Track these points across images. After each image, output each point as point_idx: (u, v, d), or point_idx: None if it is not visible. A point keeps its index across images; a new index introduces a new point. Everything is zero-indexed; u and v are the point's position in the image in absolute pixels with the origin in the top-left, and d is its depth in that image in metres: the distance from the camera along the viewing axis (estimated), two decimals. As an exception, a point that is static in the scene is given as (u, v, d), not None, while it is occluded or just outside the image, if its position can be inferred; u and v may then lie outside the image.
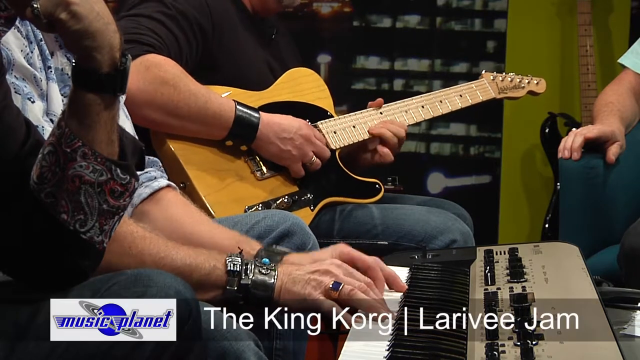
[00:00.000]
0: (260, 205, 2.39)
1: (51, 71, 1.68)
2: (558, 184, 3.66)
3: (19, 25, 1.62)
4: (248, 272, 1.70)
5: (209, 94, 2.35)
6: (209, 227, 1.94)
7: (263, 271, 1.71)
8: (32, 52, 1.65)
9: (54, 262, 1.38)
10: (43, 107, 1.66)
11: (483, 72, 2.90)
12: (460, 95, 2.79)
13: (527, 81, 2.92)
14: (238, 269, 1.70)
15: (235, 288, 1.69)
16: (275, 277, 1.71)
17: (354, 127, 2.61)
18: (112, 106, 1.36)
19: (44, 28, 1.30)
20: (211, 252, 1.74)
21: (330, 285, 1.71)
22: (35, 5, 1.27)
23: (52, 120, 1.66)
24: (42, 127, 1.63)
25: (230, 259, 1.71)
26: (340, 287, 1.70)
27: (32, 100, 1.63)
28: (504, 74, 2.90)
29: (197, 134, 2.37)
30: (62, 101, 1.69)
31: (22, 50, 1.63)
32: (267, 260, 1.75)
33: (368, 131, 2.61)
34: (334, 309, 1.68)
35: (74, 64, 1.34)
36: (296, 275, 1.72)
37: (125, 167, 1.38)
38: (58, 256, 1.38)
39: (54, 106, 1.67)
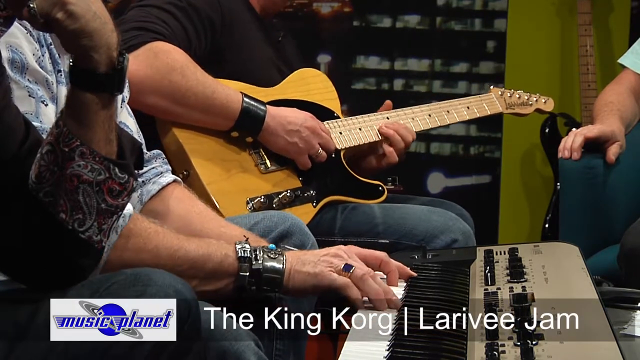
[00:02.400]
0: (263, 197, 2.39)
1: (61, 74, 1.69)
2: (558, 184, 3.66)
3: (31, 29, 1.62)
4: (258, 257, 1.73)
5: (216, 84, 2.35)
6: (216, 224, 1.96)
7: (271, 256, 1.75)
8: (43, 55, 1.66)
9: (53, 261, 1.38)
10: (55, 110, 1.66)
11: (491, 87, 2.91)
12: (468, 107, 2.80)
13: (535, 99, 2.93)
14: (248, 255, 1.73)
15: (248, 273, 1.72)
16: (284, 261, 1.74)
17: (360, 129, 2.61)
18: (110, 105, 1.36)
19: (40, 28, 1.30)
20: (220, 241, 1.77)
21: (342, 267, 1.75)
22: (31, 5, 1.27)
23: None
24: None
25: (240, 246, 1.74)
26: (352, 270, 1.74)
27: (45, 103, 1.63)
28: (512, 90, 2.91)
29: (203, 123, 2.37)
30: None
31: (34, 54, 1.64)
32: (273, 245, 1.79)
33: (378, 130, 2.62)
34: (348, 288, 1.73)
35: (71, 64, 1.33)
36: (305, 258, 1.77)
37: (124, 166, 1.38)
38: (57, 255, 1.38)
39: None
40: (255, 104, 2.39)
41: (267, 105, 2.41)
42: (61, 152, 1.34)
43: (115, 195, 1.37)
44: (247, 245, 1.75)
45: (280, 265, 1.74)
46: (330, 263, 1.76)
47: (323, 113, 2.58)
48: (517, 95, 2.90)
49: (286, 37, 2.71)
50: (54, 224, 1.35)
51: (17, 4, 1.29)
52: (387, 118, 2.67)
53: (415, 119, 2.70)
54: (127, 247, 1.67)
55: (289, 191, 2.45)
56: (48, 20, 1.28)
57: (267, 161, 2.45)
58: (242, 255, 1.73)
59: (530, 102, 2.92)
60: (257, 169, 2.44)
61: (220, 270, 1.73)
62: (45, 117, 1.62)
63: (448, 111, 2.76)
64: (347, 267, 1.75)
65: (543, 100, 2.95)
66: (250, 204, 2.35)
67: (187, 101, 2.30)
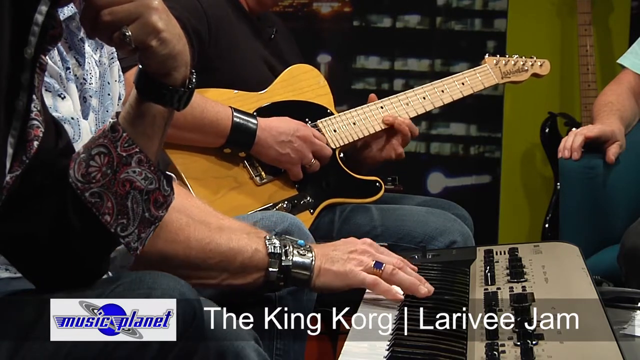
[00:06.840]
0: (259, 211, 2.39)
1: (69, 71, 1.69)
2: (558, 184, 3.66)
3: None
4: (288, 253, 1.74)
5: (205, 103, 2.34)
6: (216, 217, 1.95)
7: (301, 252, 1.76)
8: (53, 51, 1.65)
9: (78, 260, 1.38)
10: (71, 104, 1.66)
11: (486, 56, 2.83)
12: (463, 83, 2.74)
13: (530, 63, 2.85)
14: (278, 251, 1.74)
15: (277, 269, 1.73)
16: (313, 258, 1.75)
17: (354, 123, 2.60)
18: (170, 120, 1.40)
19: (127, 53, 1.31)
20: (250, 234, 1.77)
21: (373, 265, 1.76)
22: (127, 33, 1.28)
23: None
24: (78, 119, 1.64)
25: (269, 242, 1.75)
26: (383, 267, 1.75)
27: (62, 96, 1.63)
28: (507, 56, 2.84)
29: (195, 142, 2.37)
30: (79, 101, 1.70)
31: None
32: (302, 242, 1.79)
33: (383, 120, 2.60)
34: (378, 285, 1.74)
35: (147, 77, 1.35)
36: (334, 255, 1.77)
37: (170, 180, 1.41)
38: (87, 255, 1.38)
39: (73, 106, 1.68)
40: (246, 117, 2.39)
41: (257, 118, 2.41)
42: (118, 156, 1.35)
43: (158, 206, 1.39)
44: (277, 241, 1.75)
45: (310, 262, 1.75)
46: (361, 261, 1.77)
47: (315, 111, 2.57)
48: (513, 62, 2.83)
49: (279, 33, 2.70)
50: (95, 224, 1.36)
51: (107, 30, 1.29)
52: (382, 107, 2.65)
53: (409, 104, 2.67)
54: (159, 236, 1.66)
55: (285, 202, 2.45)
56: (140, 48, 1.30)
57: (262, 172, 2.45)
58: (272, 250, 1.74)
59: (526, 68, 2.84)
60: (252, 181, 2.44)
61: (250, 265, 1.73)
62: (63, 109, 1.62)
63: (442, 90, 2.71)
64: (378, 265, 1.76)
65: (539, 64, 2.87)
66: None
67: (176, 123, 2.29)
